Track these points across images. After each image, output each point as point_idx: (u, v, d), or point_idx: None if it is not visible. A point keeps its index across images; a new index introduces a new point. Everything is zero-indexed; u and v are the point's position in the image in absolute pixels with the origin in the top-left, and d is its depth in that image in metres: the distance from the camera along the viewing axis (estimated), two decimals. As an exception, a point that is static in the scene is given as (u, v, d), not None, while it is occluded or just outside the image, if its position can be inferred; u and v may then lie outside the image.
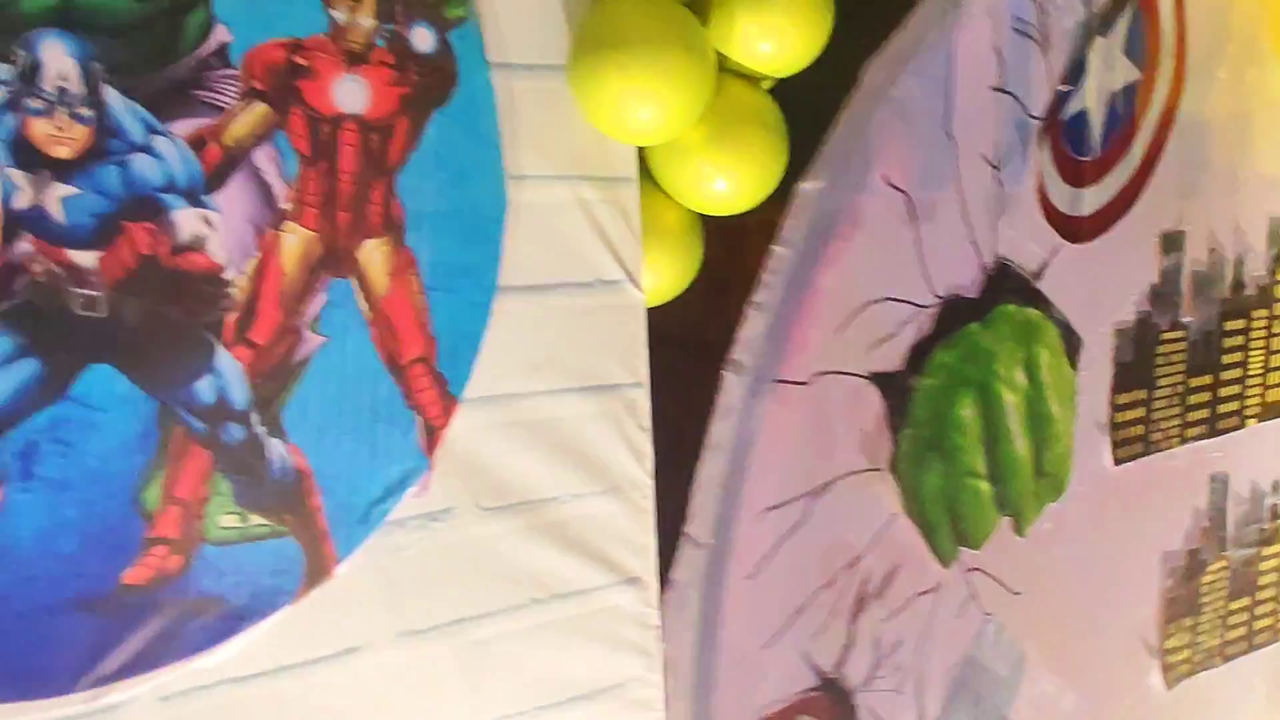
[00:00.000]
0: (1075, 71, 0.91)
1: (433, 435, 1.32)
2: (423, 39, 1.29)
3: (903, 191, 1.03)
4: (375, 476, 1.28)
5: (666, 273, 1.56)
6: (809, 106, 1.54)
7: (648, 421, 1.53)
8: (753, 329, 1.17)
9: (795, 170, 1.52)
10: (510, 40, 1.37)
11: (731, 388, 1.21)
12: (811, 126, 1.53)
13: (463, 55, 1.32)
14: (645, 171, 1.51)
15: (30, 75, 1.07)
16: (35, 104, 1.07)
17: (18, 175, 1.06)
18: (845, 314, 1.09)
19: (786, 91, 1.55)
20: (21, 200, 1.07)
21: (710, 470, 1.21)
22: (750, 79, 1.50)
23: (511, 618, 1.43)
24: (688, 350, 1.68)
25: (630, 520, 1.53)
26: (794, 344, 1.12)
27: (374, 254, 1.27)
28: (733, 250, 1.66)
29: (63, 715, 1.13)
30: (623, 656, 1.54)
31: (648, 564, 1.56)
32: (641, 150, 1.49)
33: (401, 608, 1.34)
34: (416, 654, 1.36)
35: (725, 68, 1.46)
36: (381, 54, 1.26)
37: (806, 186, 1.17)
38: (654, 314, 1.55)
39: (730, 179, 1.48)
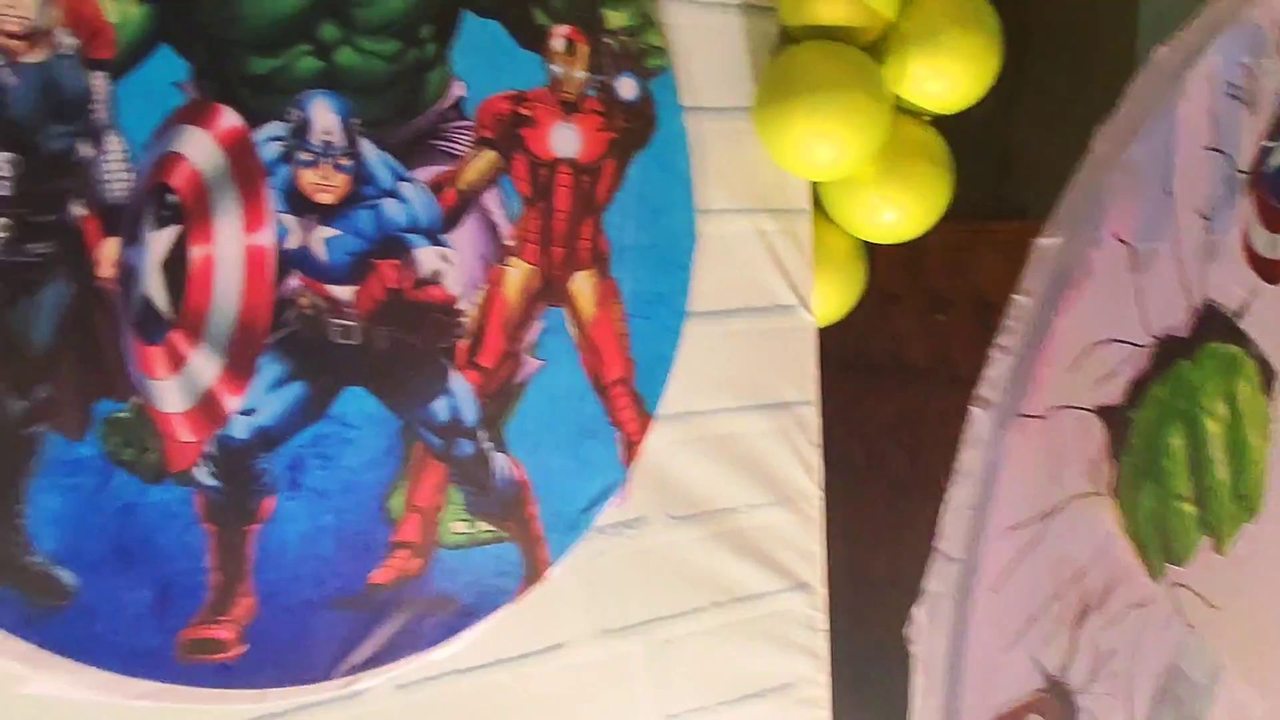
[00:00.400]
0: (1277, 128, 0.99)
1: (631, 449, 1.44)
2: (627, 88, 1.41)
3: (1127, 244, 1.11)
4: (582, 487, 1.40)
5: (834, 297, 1.65)
6: (967, 138, 1.62)
7: (817, 437, 1.63)
8: (998, 369, 1.29)
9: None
10: (700, 86, 1.48)
11: (979, 422, 1.34)
12: (968, 157, 1.61)
13: (661, 101, 1.43)
14: (816, 203, 1.61)
15: (301, 131, 1.20)
16: (305, 156, 1.21)
17: (289, 219, 1.20)
18: (1076, 354, 1.18)
19: (944, 122, 1.64)
20: (292, 241, 1.21)
21: (960, 494, 1.33)
22: (917, 115, 1.59)
23: (695, 619, 1.54)
24: (849, 367, 1.78)
25: (800, 529, 1.63)
26: (1034, 382, 1.21)
27: (583, 284, 1.39)
28: (892, 271, 1.74)
29: (318, 699, 1.27)
30: (792, 657, 1.64)
31: (815, 571, 1.65)
32: (814, 183, 1.59)
33: (600, 608, 1.46)
34: (612, 650, 1.47)
35: (896, 105, 1.55)
36: (592, 103, 1.38)
37: (1045, 242, 1.29)
38: (820, 334, 1.65)
39: (899, 210, 1.57)
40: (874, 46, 1.51)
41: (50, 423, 1.09)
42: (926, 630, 1.33)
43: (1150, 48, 1.27)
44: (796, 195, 1.58)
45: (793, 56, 1.46)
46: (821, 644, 1.66)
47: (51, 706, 1.13)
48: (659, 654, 1.51)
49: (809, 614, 1.64)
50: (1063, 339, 1.24)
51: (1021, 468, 1.19)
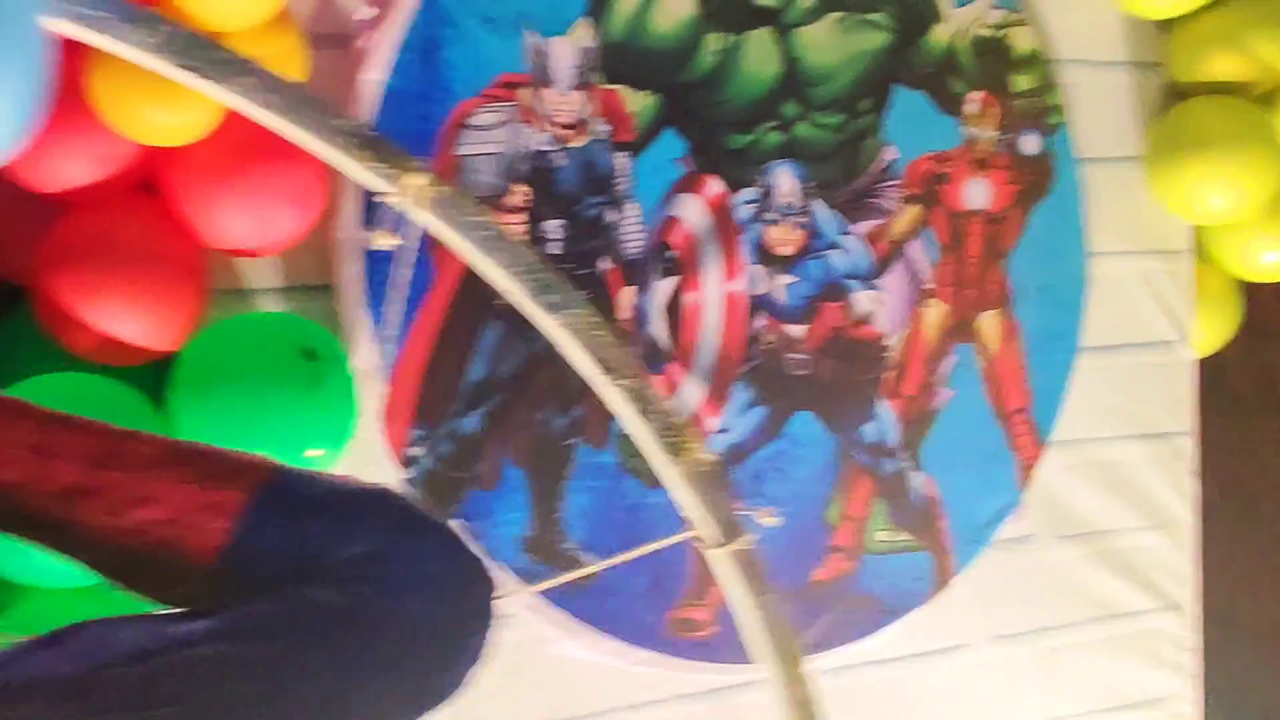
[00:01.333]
0: None
1: (1026, 472, 1.59)
2: (1031, 144, 1.56)
3: None
4: (984, 505, 1.56)
5: (1211, 332, 1.74)
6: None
7: (1194, 466, 1.73)
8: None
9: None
10: (1092, 139, 1.61)
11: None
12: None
13: (1059, 154, 1.58)
14: (1198, 245, 1.71)
15: (768, 195, 1.43)
16: (770, 216, 1.43)
17: (757, 269, 1.43)
18: None
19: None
20: (759, 288, 1.43)
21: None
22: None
23: (1077, 631, 1.67)
24: (1224, 399, 1.85)
25: (1174, 553, 1.73)
26: None
27: (989, 322, 1.55)
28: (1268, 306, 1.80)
29: (765, 676, 1.48)
30: (1164, 674, 1.74)
31: (1187, 592, 1.75)
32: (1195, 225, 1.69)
33: (994, 615, 1.61)
34: (1004, 655, 1.62)
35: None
36: (1000, 159, 1.54)
37: None
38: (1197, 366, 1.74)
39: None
40: (1266, 98, 1.60)
41: (582, 436, 1.36)
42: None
43: None
44: (1179, 237, 1.68)
45: (1189, 110, 1.58)
46: (1191, 663, 1.75)
47: (567, 665, 1.39)
48: (1045, 660, 1.65)
49: (1180, 634, 1.73)
50: None
51: None
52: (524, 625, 1.36)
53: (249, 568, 0.59)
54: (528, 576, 1.33)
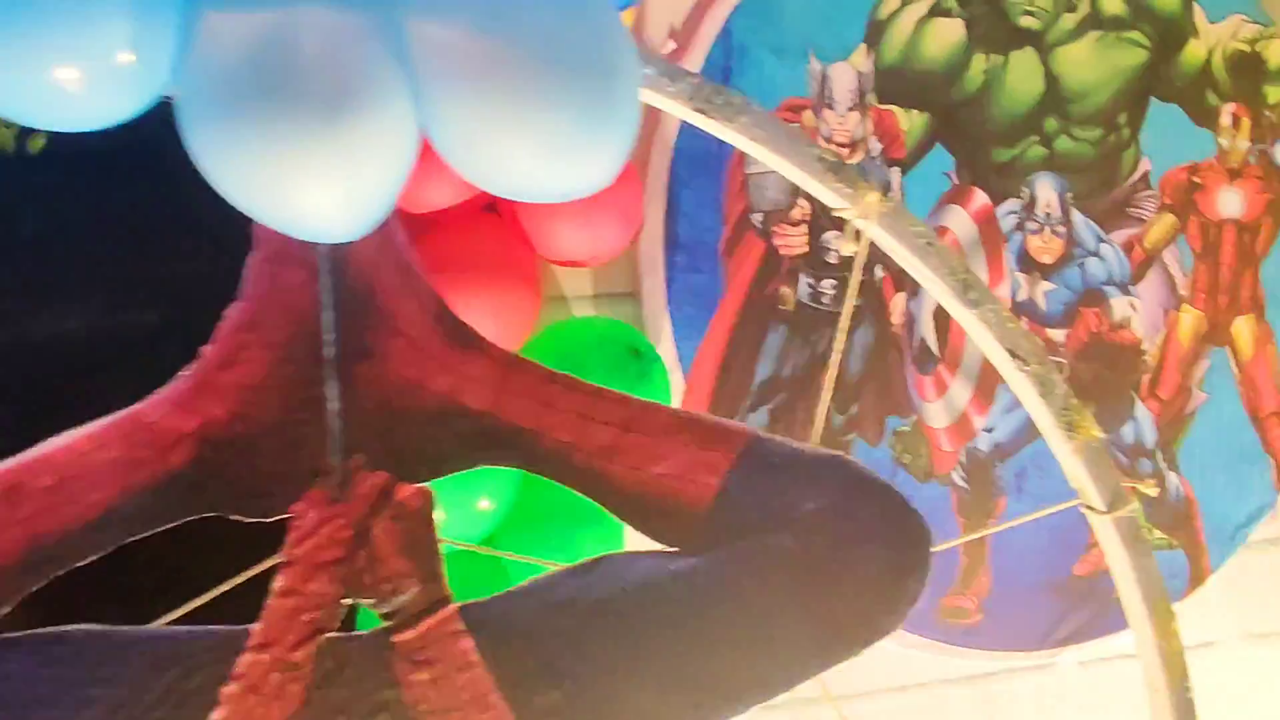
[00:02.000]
0: None
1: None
2: (1285, 154, 1.60)
3: None
4: (1239, 506, 1.60)
5: None
6: None
7: None
8: None
9: None
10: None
11: None
12: None
13: (1313, 163, 1.61)
14: None
15: (1030, 206, 1.51)
16: (1032, 225, 1.51)
17: (1020, 277, 1.50)
18: None
19: None
20: (1021, 294, 1.51)
21: None
22: None
23: (1331, 633, 1.68)
24: None
25: None
26: None
27: (1243, 328, 1.59)
28: None
29: (1024, 665, 1.55)
30: None
31: None
32: None
33: (1247, 615, 1.64)
34: (1256, 654, 1.65)
35: None
36: (1253, 169, 1.58)
37: None
38: None
39: None
40: None
41: (857, 432, 1.46)
42: None
43: None
44: None
45: None
46: None
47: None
48: (1299, 662, 1.67)
49: None
50: None
51: None
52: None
53: (729, 517, 0.71)
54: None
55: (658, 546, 0.74)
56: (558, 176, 0.58)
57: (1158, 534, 1.57)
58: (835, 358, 0.96)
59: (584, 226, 1.29)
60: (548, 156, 0.57)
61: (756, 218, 1.42)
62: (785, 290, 1.43)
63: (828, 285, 1.45)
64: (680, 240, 1.40)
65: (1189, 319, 1.58)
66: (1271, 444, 1.61)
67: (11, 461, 0.63)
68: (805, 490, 0.71)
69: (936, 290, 0.89)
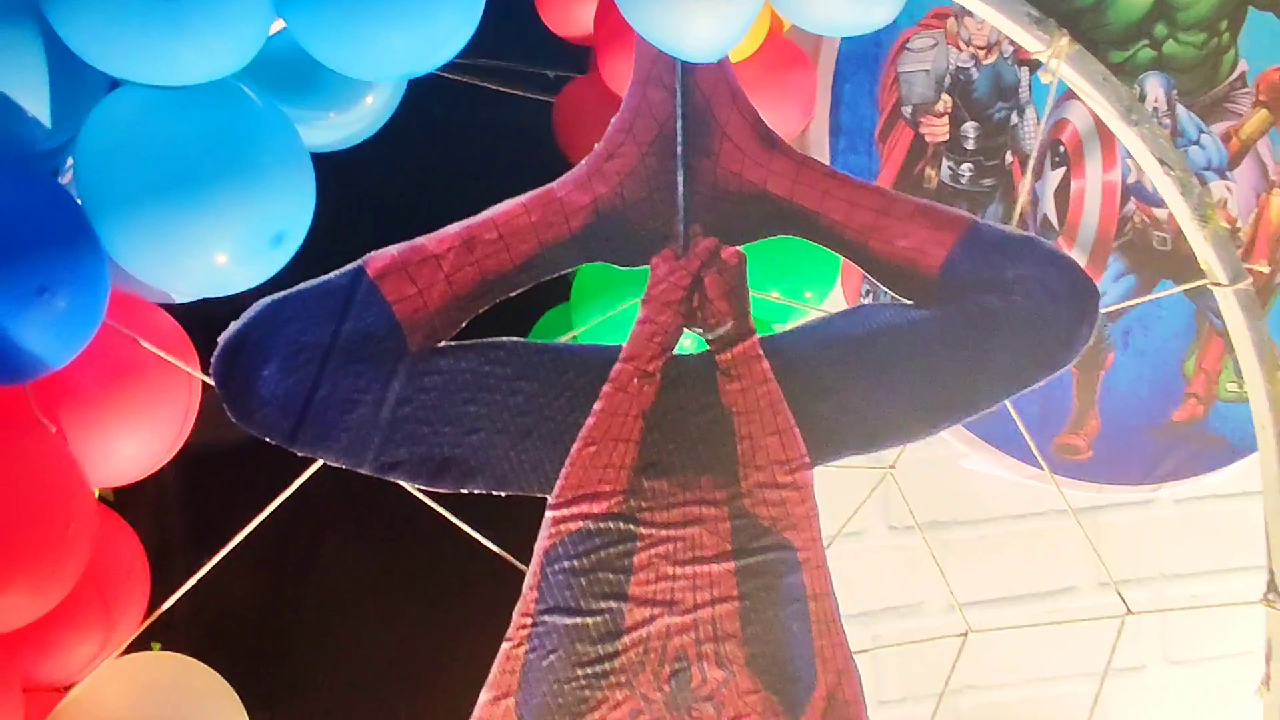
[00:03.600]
0: None
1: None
2: (1369, 56, 1.80)
3: None
4: (1319, 366, 1.83)
5: None
6: None
7: None
8: None
9: None
10: None
11: None
12: None
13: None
14: None
15: (1140, 101, 1.73)
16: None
17: (1130, 163, 1.74)
18: None
19: None
20: (1131, 178, 1.74)
21: None
22: None
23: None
24: None
25: None
26: None
27: (1327, 210, 1.81)
28: None
29: (1127, 499, 1.80)
30: None
31: None
32: None
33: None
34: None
35: None
36: (1340, 69, 1.80)
37: None
38: None
39: None
40: None
41: (989, 294, 1.71)
42: None
43: None
44: None
45: None
46: None
47: (973, 477, 1.75)
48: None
49: None
50: None
51: None
52: (942, 442, 1.73)
53: (953, 281, 0.97)
54: (943, 404, 1.70)
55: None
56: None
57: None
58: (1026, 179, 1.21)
59: (772, 109, 1.55)
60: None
61: (906, 110, 1.67)
62: (930, 171, 1.68)
63: (966, 169, 1.70)
64: (842, 127, 1.65)
65: (1279, 201, 1.80)
66: (1347, 311, 1.84)
67: (467, 221, 0.91)
68: (1007, 261, 0.98)
69: (1106, 113, 1.13)
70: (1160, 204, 1.78)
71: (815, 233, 0.96)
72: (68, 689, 0.90)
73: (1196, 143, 1.78)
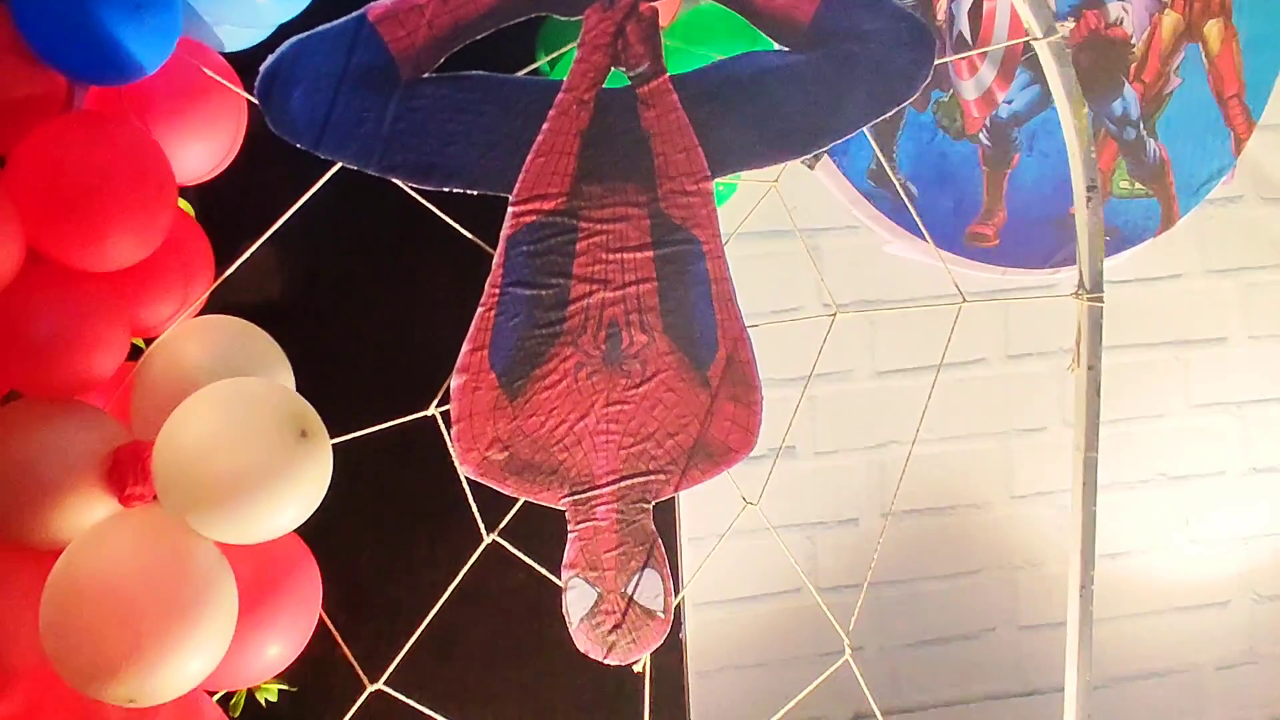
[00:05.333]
0: None
1: (1239, 145, 2.10)
2: (1254, -112, 2.03)
3: None
4: (1204, 166, 2.10)
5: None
6: None
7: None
8: None
9: None
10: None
11: None
12: None
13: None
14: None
15: (1045, -71, 1.98)
16: (1047, -55, 1.98)
17: (1036, -15, 1.99)
18: None
19: None
20: None
21: None
22: None
23: (1276, 272, 2.19)
24: None
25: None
26: None
27: (1213, 28, 2.06)
28: None
29: (1031, 282, 2.09)
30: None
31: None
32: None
33: (1208, 253, 2.16)
34: (1213, 285, 2.18)
35: None
36: (1228, -99, 2.03)
37: None
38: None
39: None
40: None
41: (912, 106, 1.98)
42: None
43: None
44: (1379, -36, 2.12)
45: None
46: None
47: (896, 261, 2.04)
48: (1247, 292, 2.19)
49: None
50: None
51: None
52: (868, 232, 2.02)
53: (821, 31, 1.25)
54: (869, 197, 1.98)
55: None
56: None
57: (1138, 185, 2.09)
58: None
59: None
60: None
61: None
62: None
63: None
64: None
65: (1170, 20, 2.05)
66: (1231, 120, 2.10)
67: (447, -18, 1.20)
68: (866, 15, 1.25)
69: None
70: (1074, 19, 2.04)
71: (716, -6, 1.25)
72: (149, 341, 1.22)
73: (1094, -27, 2.03)
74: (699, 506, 1.92)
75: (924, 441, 2.15)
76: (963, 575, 2.17)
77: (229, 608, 1.11)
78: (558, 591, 1.33)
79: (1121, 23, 2.03)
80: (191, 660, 1.07)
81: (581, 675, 1.77)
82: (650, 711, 1.68)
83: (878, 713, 1.74)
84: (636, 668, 1.40)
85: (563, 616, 1.34)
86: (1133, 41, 2.04)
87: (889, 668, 2.15)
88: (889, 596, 2.15)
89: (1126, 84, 2.05)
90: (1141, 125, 2.07)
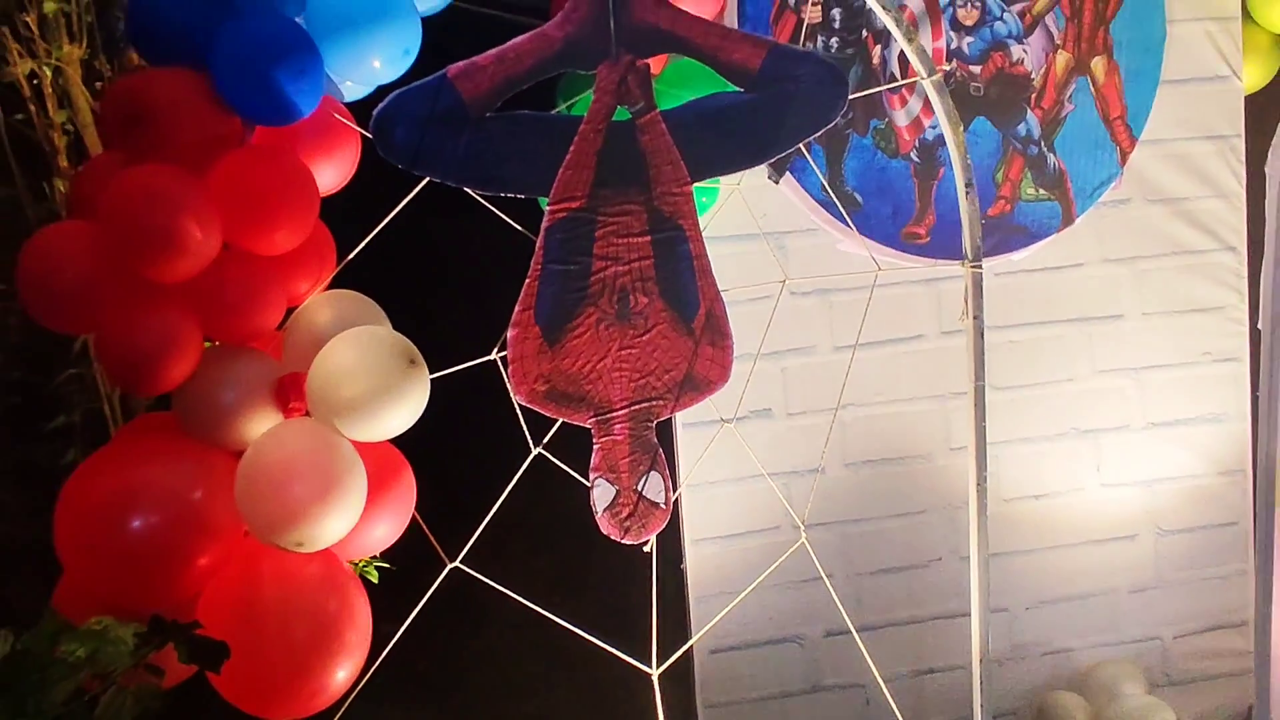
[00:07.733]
0: None
1: (1124, 157, 2.59)
2: (1125, -47, 2.53)
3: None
4: (1096, 174, 2.58)
5: (1254, 74, 2.67)
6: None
7: (1243, 157, 2.67)
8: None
9: None
10: (1169, -53, 2.56)
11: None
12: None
13: (1145, -41, 2.55)
14: (1246, 11, 2.63)
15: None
16: (960, 1, 2.48)
17: (952, 34, 2.49)
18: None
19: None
20: (954, 44, 2.49)
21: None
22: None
23: (1161, 259, 2.66)
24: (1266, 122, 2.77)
25: (1231, 214, 2.69)
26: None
27: (1098, 64, 2.56)
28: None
29: (957, 273, 2.57)
30: (1223, 291, 2.71)
31: (1240, 239, 2.70)
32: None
33: (1104, 245, 2.64)
34: (1109, 272, 2.65)
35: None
36: (1104, -37, 2.53)
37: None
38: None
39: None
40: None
41: (852, 128, 2.47)
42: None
43: None
44: (1233, 5, 2.61)
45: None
46: (1242, 285, 2.70)
47: (845, 257, 2.52)
48: (1139, 277, 2.66)
49: (1235, 266, 2.69)
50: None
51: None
52: (823, 233, 2.50)
53: (766, 77, 1.75)
54: (824, 205, 2.47)
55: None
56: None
57: (1042, 192, 2.57)
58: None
59: (692, 3, 2.31)
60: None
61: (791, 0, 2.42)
62: (808, 44, 2.44)
63: (834, 41, 2.45)
64: (746, 14, 2.41)
65: (1062, 58, 2.55)
66: (1117, 137, 2.59)
67: (500, 46, 1.69)
68: (797, 64, 1.75)
69: (899, 34, 1.89)
70: (978, 62, 2.54)
71: (688, 50, 1.74)
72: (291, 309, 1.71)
73: (1000, 19, 2.52)
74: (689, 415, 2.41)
75: (876, 404, 2.64)
76: (912, 514, 2.63)
77: (361, 486, 1.59)
78: (586, 490, 1.81)
79: (1023, 61, 2.53)
80: (339, 519, 1.55)
81: (612, 556, 2.25)
82: (658, 633, 2.14)
83: (851, 626, 2.21)
84: (645, 548, 1.88)
85: (590, 509, 1.82)
86: (1033, 76, 2.54)
87: (854, 591, 2.60)
88: (852, 532, 2.61)
89: (1029, 110, 2.54)
90: (1043, 143, 2.56)
